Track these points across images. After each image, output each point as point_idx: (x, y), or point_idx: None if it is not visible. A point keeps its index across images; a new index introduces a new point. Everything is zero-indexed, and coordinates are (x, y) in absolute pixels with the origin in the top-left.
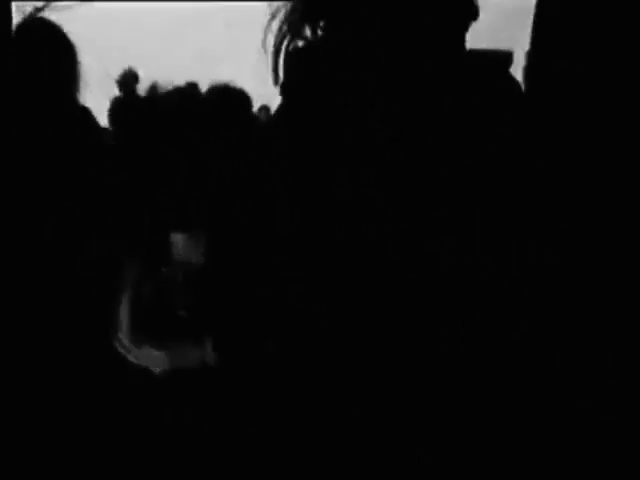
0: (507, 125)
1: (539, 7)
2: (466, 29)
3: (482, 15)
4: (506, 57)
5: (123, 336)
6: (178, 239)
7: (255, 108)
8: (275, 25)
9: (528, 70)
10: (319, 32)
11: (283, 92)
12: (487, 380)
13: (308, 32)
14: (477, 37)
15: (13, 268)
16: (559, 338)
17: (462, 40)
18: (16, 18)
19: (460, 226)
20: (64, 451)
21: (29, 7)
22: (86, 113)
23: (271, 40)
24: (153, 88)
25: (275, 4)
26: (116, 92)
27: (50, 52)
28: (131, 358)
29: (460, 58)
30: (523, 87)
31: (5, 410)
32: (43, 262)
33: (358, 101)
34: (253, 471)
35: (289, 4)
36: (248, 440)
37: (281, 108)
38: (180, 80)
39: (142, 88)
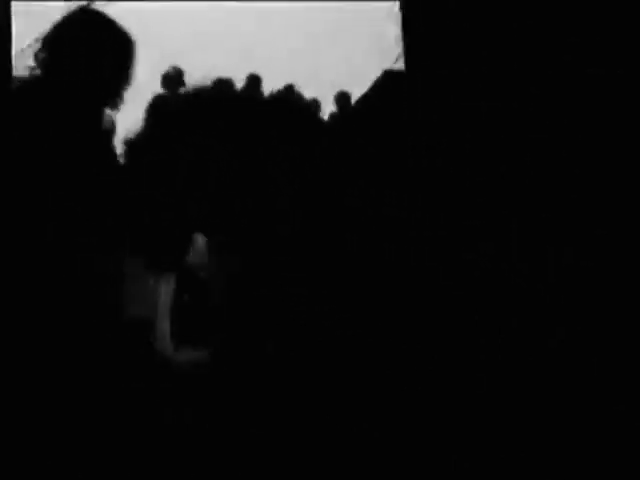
0: (542, 133)
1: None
2: None
3: None
4: None
5: (165, 343)
6: (199, 241)
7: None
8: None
9: None
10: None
11: (361, 104)
12: (523, 385)
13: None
14: None
15: (14, 268)
16: (595, 344)
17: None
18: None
19: (496, 233)
20: (64, 451)
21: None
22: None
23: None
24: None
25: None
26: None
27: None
28: (173, 362)
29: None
30: None
31: (5, 411)
32: (44, 262)
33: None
34: (253, 471)
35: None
36: (248, 440)
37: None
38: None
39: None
